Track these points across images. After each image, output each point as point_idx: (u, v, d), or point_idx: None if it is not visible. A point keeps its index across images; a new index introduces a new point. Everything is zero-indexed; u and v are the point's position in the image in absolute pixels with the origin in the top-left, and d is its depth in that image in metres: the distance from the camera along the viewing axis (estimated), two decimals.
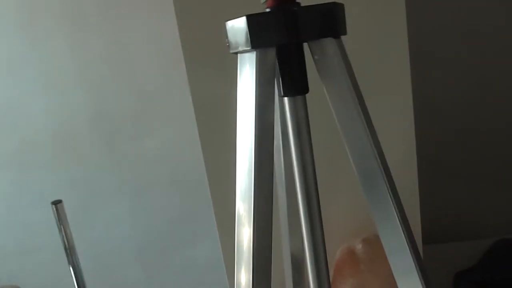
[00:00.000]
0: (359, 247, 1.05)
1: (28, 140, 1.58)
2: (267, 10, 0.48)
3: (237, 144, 0.48)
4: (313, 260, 0.54)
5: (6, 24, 1.49)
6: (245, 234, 0.47)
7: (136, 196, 1.64)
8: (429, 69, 1.54)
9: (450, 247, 1.60)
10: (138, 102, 1.56)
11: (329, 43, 0.46)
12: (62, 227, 1.11)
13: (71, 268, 1.15)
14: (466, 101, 1.60)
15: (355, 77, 0.48)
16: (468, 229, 1.66)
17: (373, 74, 1.06)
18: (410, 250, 0.48)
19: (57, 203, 1.10)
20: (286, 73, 0.49)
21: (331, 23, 0.46)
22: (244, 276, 0.47)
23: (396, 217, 0.48)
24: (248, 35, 0.44)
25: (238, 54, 0.49)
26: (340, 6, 0.47)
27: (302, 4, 0.47)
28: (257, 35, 0.45)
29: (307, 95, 0.51)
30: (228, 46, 0.50)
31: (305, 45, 0.48)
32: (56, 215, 1.10)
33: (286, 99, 0.50)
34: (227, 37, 0.50)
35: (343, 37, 0.49)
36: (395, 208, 0.48)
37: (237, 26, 0.46)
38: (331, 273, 1.12)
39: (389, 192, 0.48)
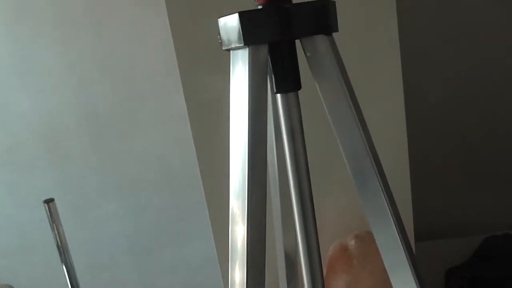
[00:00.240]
0: (351, 243, 1.06)
1: (18, 139, 1.57)
2: (259, 7, 0.48)
3: (230, 141, 0.49)
4: (307, 256, 0.55)
5: None
6: (239, 231, 0.47)
7: (128, 195, 1.63)
8: (421, 68, 1.55)
9: (441, 244, 1.61)
10: (128, 101, 1.55)
11: (321, 40, 0.46)
12: (54, 225, 1.10)
13: (64, 267, 1.15)
14: (456, 99, 1.61)
15: (347, 74, 0.49)
16: (459, 226, 1.68)
17: (365, 74, 1.07)
18: (403, 246, 0.49)
19: (49, 201, 1.09)
20: (279, 70, 0.49)
21: (323, 20, 0.46)
22: (238, 273, 0.48)
23: (389, 213, 0.49)
24: (241, 32, 0.45)
25: (231, 51, 0.49)
26: (332, 4, 0.47)
27: (294, 1, 0.47)
28: (250, 32, 0.45)
29: (300, 92, 0.51)
30: (221, 43, 0.50)
31: (298, 42, 0.48)
32: (48, 213, 1.09)
33: (278, 95, 0.51)
34: (219, 34, 0.50)
35: (335, 35, 0.49)
36: (388, 205, 0.49)
37: (230, 23, 0.46)
38: (324, 269, 1.12)
39: (381, 189, 0.48)
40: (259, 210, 0.47)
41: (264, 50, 0.46)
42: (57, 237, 1.12)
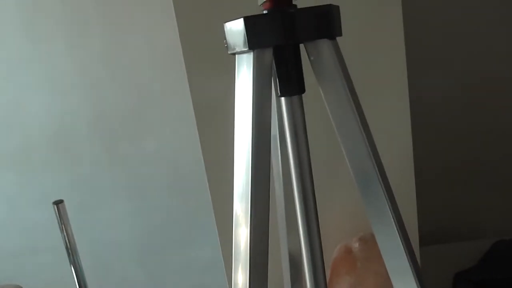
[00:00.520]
0: (355, 245, 1.06)
1: (29, 140, 1.59)
2: (265, 12, 0.49)
3: (235, 144, 0.49)
4: (310, 258, 0.55)
5: (6, 25, 1.50)
6: (242, 234, 0.48)
7: (136, 196, 1.65)
8: (426, 71, 1.55)
9: (450, 247, 1.60)
10: (138, 102, 1.57)
11: (324, 44, 0.47)
12: (63, 226, 1.11)
13: (72, 268, 1.16)
14: (463, 101, 1.60)
15: (351, 78, 0.49)
16: (468, 230, 1.67)
17: (370, 76, 1.07)
18: (405, 251, 0.49)
19: (58, 203, 1.10)
20: (283, 74, 0.49)
21: (326, 24, 0.46)
22: (241, 275, 0.48)
23: (392, 218, 0.49)
24: (246, 36, 0.45)
25: (236, 55, 0.50)
26: (336, 8, 0.48)
27: (299, 6, 0.48)
28: (255, 36, 0.46)
29: (304, 95, 0.52)
30: (227, 47, 0.51)
31: (302, 46, 0.49)
32: (57, 214, 1.11)
33: (283, 99, 0.51)
34: (225, 38, 0.50)
35: (340, 39, 0.50)
36: (390, 210, 0.49)
37: (235, 28, 0.47)
38: (328, 271, 1.12)
39: (384, 193, 0.48)
40: (263, 212, 0.47)
41: (268, 54, 0.47)
42: (66, 238, 1.13)
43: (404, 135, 1.13)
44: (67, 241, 1.14)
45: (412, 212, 1.16)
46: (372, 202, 0.49)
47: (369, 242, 1.05)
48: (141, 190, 1.64)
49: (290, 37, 0.46)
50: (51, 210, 1.13)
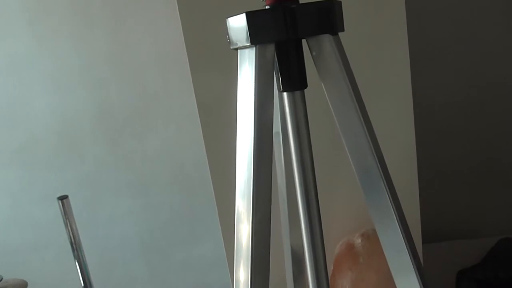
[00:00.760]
0: (358, 241, 1.06)
1: (34, 137, 1.60)
2: (267, 7, 0.49)
3: (237, 139, 0.49)
4: (312, 254, 0.55)
5: (12, 23, 1.51)
6: (244, 231, 0.48)
7: (140, 193, 1.65)
8: (429, 68, 1.54)
9: (454, 245, 1.60)
10: (142, 100, 1.58)
11: (326, 40, 0.47)
12: (68, 222, 1.12)
13: (76, 263, 1.17)
14: (468, 100, 1.60)
15: (353, 74, 0.49)
16: (472, 227, 1.66)
17: (373, 73, 1.07)
18: (408, 249, 0.49)
19: (63, 198, 1.11)
20: (285, 69, 0.50)
21: (328, 20, 0.46)
22: (243, 272, 0.48)
23: (394, 215, 0.48)
24: (248, 32, 0.45)
25: (238, 50, 0.50)
26: (338, 4, 0.48)
27: (301, 2, 0.48)
28: (257, 31, 0.46)
29: (306, 90, 0.52)
30: (229, 42, 0.51)
31: (304, 41, 0.49)
32: (62, 210, 1.11)
33: (285, 94, 0.51)
34: (227, 33, 0.51)
35: (343, 35, 0.50)
36: (392, 206, 0.48)
37: (237, 23, 0.47)
38: (331, 267, 1.12)
39: (386, 189, 0.48)
40: (264, 209, 0.47)
41: (270, 49, 0.47)
42: (70, 234, 1.14)
43: (407, 132, 1.13)
44: (71, 236, 1.14)
45: (415, 209, 1.16)
46: (374, 198, 0.49)
47: (371, 238, 1.05)
48: (145, 187, 1.65)
49: (292, 33, 0.46)
50: (56, 207, 1.13)
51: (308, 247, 0.55)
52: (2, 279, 1.29)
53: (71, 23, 1.52)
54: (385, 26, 1.07)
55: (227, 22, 0.50)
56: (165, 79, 1.56)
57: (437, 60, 1.56)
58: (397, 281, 0.51)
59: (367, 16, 1.05)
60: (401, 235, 0.49)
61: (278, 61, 0.49)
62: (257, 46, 0.46)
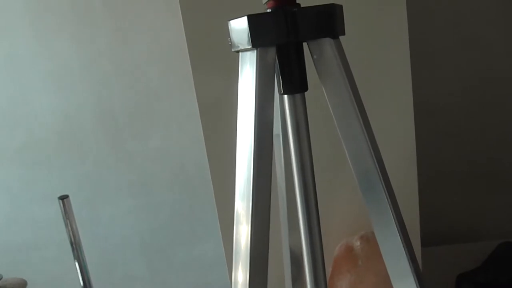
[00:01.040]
0: (357, 243, 1.06)
1: (34, 136, 1.60)
2: (268, 10, 0.49)
3: (237, 141, 0.49)
4: (311, 256, 0.55)
5: (13, 21, 1.51)
6: (243, 232, 0.48)
7: (141, 193, 1.66)
8: (429, 70, 1.54)
9: (454, 248, 1.60)
10: (143, 100, 1.58)
11: (327, 43, 0.47)
12: (68, 221, 1.12)
13: (76, 263, 1.17)
14: (468, 101, 1.60)
15: (353, 78, 0.49)
16: (472, 231, 1.66)
17: (374, 76, 1.07)
18: (406, 253, 0.49)
19: (64, 198, 1.12)
20: (286, 72, 0.50)
21: (329, 23, 0.47)
22: (241, 273, 0.48)
23: (392, 219, 0.49)
24: (249, 34, 0.46)
25: (240, 53, 0.50)
26: (339, 7, 0.48)
27: (302, 5, 0.48)
28: (258, 34, 0.46)
29: (306, 93, 0.52)
30: (230, 45, 0.51)
31: (305, 45, 0.49)
32: (62, 209, 1.12)
33: (285, 97, 0.51)
34: (229, 36, 0.51)
35: (343, 38, 0.50)
36: (391, 210, 0.49)
37: (239, 26, 0.48)
38: (330, 269, 1.13)
39: (385, 193, 0.48)
40: (263, 211, 0.47)
41: (271, 52, 0.47)
42: (71, 233, 1.14)
43: (407, 135, 1.13)
44: (71, 236, 1.15)
45: (414, 213, 1.16)
46: (373, 201, 0.49)
47: (370, 240, 1.05)
48: (145, 187, 1.65)
49: (293, 36, 0.47)
50: (56, 206, 1.14)
51: (307, 248, 0.55)
52: (1, 278, 1.29)
53: (71, 23, 1.52)
54: (386, 29, 1.07)
55: (229, 25, 0.50)
56: (166, 79, 1.56)
57: (437, 60, 1.56)
58: (395, 286, 0.51)
59: (368, 19, 1.06)
60: (400, 240, 0.49)
61: (279, 64, 0.49)
62: (258, 49, 0.46)
